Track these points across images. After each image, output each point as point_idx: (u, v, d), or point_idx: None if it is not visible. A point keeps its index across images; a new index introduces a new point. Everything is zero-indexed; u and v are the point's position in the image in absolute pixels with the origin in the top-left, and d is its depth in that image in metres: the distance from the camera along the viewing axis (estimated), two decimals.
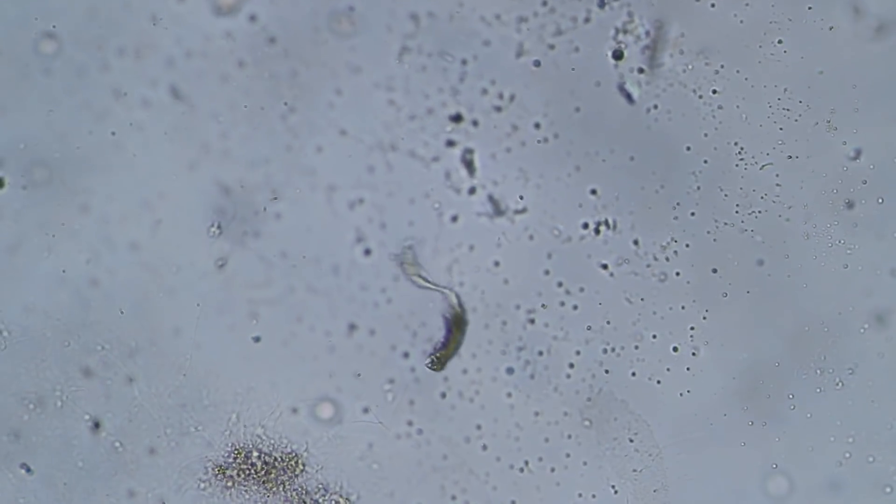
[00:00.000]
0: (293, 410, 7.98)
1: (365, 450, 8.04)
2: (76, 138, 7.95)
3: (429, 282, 8.03)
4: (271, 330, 7.99)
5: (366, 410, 8.02)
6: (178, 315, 7.97)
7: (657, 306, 8.06)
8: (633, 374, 8.06)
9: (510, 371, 8.08)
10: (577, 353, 8.06)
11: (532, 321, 8.07)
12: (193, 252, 7.98)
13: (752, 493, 8.07)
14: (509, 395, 8.09)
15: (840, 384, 8.01)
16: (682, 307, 8.05)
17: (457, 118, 8.01)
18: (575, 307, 8.06)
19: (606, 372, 8.06)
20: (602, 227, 8.04)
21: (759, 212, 8.07)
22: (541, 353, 8.07)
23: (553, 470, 8.10)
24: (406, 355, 8.07)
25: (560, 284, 8.06)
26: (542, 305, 8.03)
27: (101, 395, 7.93)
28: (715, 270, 8.05)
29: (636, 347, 8.05)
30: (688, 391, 8.05)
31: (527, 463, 8.09)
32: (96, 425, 7.88)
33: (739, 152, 8.06)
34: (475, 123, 8.01)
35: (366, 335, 8.03)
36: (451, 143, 8.01)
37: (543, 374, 8.09)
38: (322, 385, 8.03)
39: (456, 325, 8.08)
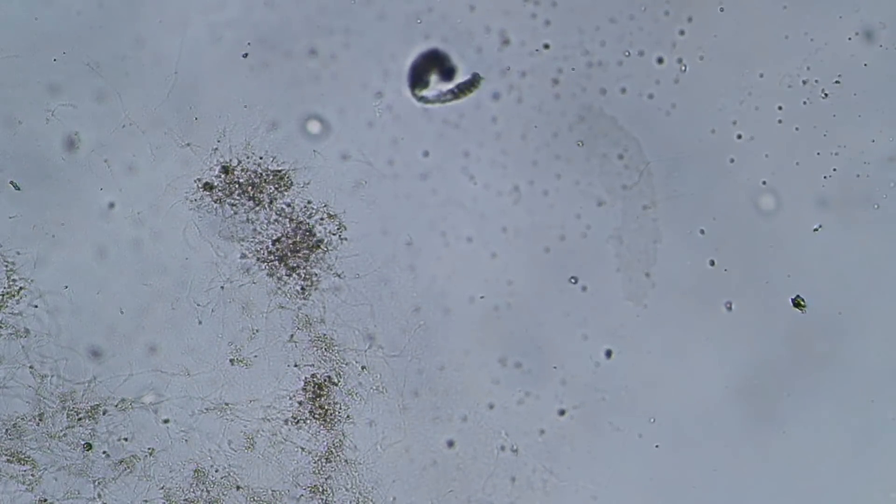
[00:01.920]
0: (274, 126, 7.94)
1: (350, 174, 8.01)
2: None
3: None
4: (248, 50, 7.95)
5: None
6: (140, 27, 7.89)
7: (642, 23, 8.04)
8: (623, 90, 8.04)
9: (496, 96, 8.04)
10: (560, 70, 8.03)
11: (506, 42, 8.02)
12: None
13: (743, 205, 8.09)
14: (494, 120, 8.05)
15: (825, 94, 8.02)
16: (666, 13, 8.03)
17: None
18: (547, 22, 8.02)
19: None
20: None
21: None
22: (524, 75, 8.04)
23: (546, 193, 8.05)
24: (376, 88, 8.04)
25: None
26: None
27: (86, 114, 7.86)
28: None
29: (620, 64, 8.03)
30: (672, 105, 8.03)
31: (517, 188, 8.05)
32: (72, 143, 7.79)
33: None
34: None
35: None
36: None
37: (528, 93, 8.05)
38: (309, 104, 7.98)
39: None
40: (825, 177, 8.03)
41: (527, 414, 8.04)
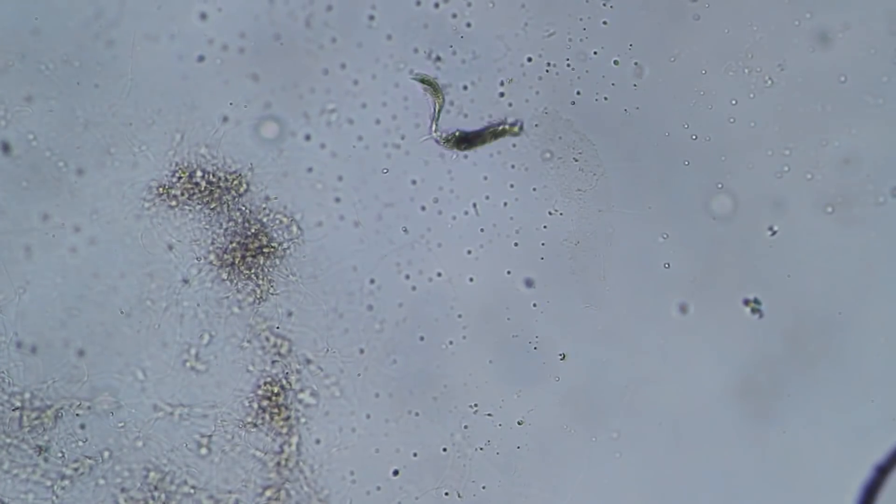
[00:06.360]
0: (235, 121, 7.94)
1: (308, 170, 8.01)
2: None
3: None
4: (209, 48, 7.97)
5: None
6: (98, 28, 7.89)
7: (591, 21, 8.06)
8: (579, 93, 8.07)
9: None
10: (502, 83, 8.03)
11: (439, 58, 8.04)
12: None
13: (696, 211, 8.12)
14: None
15: (769, 81, 8.03)
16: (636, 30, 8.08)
17: None
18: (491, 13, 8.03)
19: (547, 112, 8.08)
20: None
21: None
22: (465, 88, 8.06)
23: (505, 204, 8.06)
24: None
25: None
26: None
27: (39, 116, 7.86)
28: None
29: (572, 68, 8.04)
30: (637, 107, 8.06)
31: (475, 205, 8.06)
32: (6, 148, 7.80)
33: None
34: None
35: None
36: None
37: (472, 108, 8.09)
38: (265, 105, 7.99)
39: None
40: (779, 175, 8.05)
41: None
